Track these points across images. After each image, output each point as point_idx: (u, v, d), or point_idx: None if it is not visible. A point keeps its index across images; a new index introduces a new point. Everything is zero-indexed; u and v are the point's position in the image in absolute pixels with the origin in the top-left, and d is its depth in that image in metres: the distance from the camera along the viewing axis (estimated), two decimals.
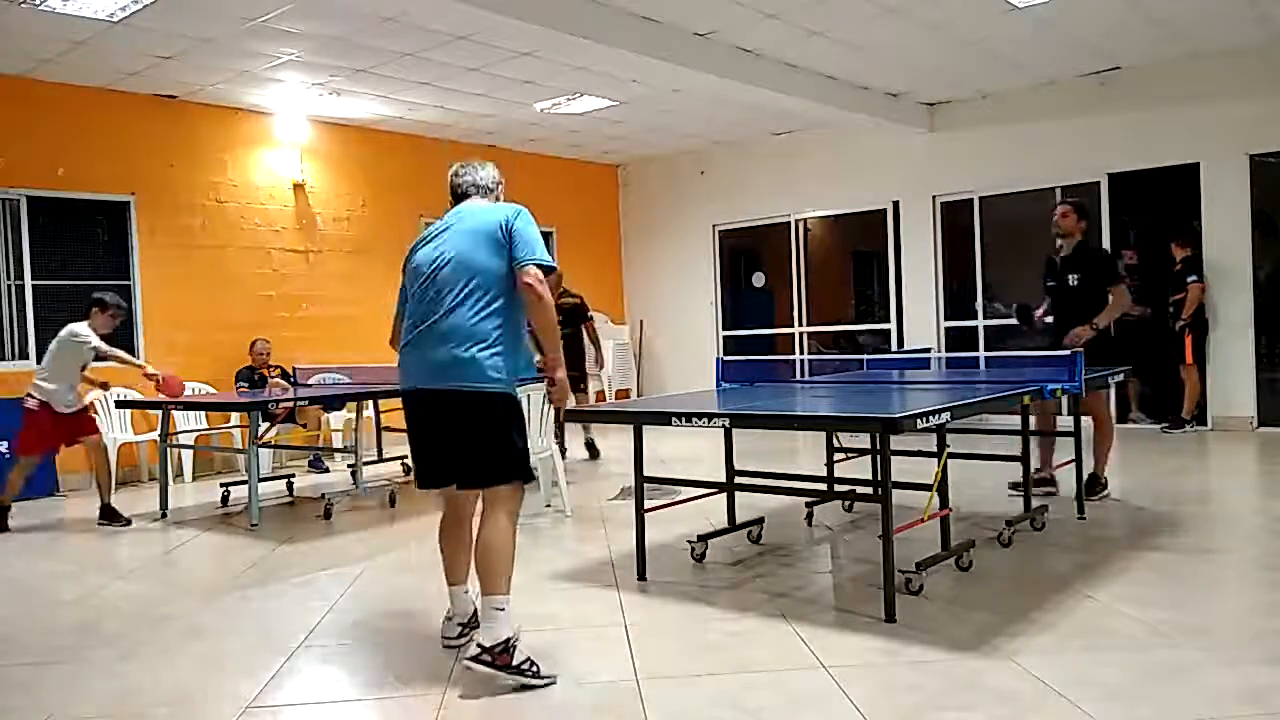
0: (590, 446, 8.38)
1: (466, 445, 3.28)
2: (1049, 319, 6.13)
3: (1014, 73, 9.05)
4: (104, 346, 6.20)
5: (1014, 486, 5.90)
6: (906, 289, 10.64)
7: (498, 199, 3.55)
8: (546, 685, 3.16)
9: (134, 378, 8.15)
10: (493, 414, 3.26)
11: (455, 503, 3.53)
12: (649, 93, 9.12)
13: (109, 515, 6.27)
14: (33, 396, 6.17)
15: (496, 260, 3.27)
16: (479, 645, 3.18)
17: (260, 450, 6.74)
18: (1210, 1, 7.25)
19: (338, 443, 8.92)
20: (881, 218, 10.79)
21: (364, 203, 10.07)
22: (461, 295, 3.26)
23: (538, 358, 3.46)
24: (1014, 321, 6.76)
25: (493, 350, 3.24)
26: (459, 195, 3.53)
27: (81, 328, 6.18)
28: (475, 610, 3.59)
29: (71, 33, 6.79)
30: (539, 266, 3.24)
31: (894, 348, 10.66)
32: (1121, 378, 5.92)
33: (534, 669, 3.17)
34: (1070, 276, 5.90)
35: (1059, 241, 6.02)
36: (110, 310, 6.32)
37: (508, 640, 3.16)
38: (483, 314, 3.25)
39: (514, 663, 3.15)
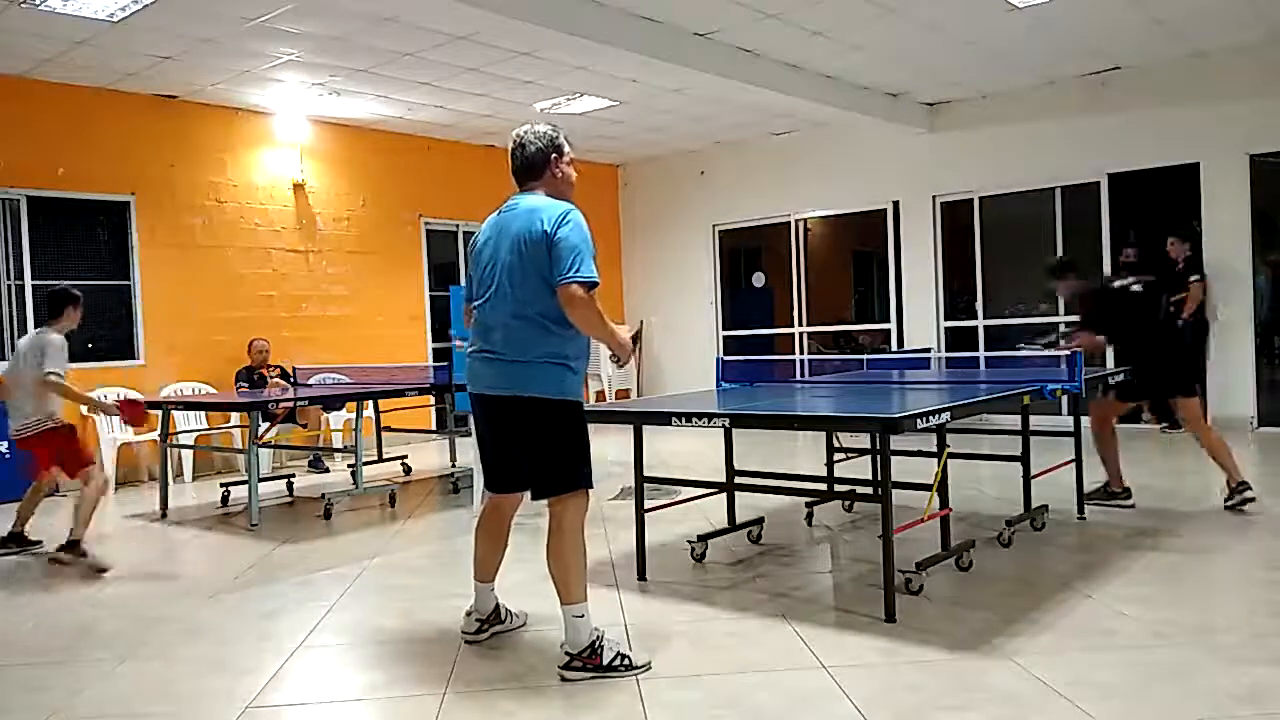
0: None
1: (523, 452, 3.30)
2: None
3: (1014, 73, 9.05)
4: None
5: (1089, 497, 5.58)
6: (906, 289, 10.64)
7: (554, 175, 3.35)
8: (643, 673, 3.22)
9: (132, 380, 8.19)
10: (547, 422, 3.23)
11: (499, 502, 3.56)
12: (649, 93, 9.11)
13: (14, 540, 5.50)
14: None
15: (541, 273, 3.14)
16: (567, 654, 3.24)
17: (260, 450, 6.73)
18: (1210, 1, 7.25)
19: (338, 443, 8.92)
20: (881, 218, 10.78)
21: (364, 203, 10.06)
22: (513, 310, 3.21)
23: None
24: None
25: (546, 363, 3.21)
26: (518, 180, 3.39)
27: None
28: (496, 606, 3.65)
29: (71, 33, 6.79)
30: (578, 283, 3.07)
31: (894, 348, 10.66)
32: (1122, 377, 5.92)
33: (625, 662, 3.24)
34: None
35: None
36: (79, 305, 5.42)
37: (593, 643, 3.23)
38: (534, 328, 3.19)
39: (604, 662, 3.23)
